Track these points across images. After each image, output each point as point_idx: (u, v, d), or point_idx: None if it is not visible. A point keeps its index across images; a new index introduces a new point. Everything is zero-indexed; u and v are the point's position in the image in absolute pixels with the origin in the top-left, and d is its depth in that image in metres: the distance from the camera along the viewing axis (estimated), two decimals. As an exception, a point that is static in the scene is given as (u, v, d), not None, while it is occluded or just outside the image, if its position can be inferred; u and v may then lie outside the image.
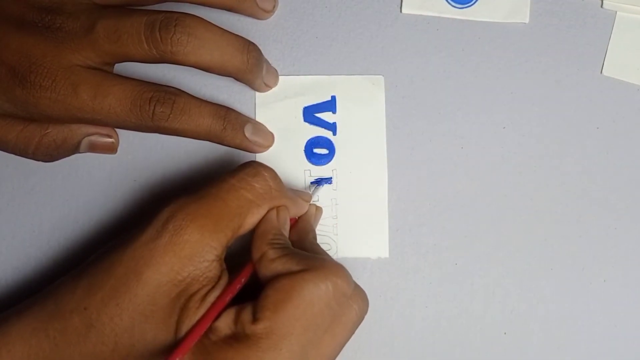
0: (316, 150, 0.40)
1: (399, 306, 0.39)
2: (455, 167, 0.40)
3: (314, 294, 0.31)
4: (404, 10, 0.41)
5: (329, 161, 0.40)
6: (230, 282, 0.33)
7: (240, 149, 0.39)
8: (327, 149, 0.40)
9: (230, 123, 0.37)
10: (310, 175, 0.40)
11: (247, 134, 0.38)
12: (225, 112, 0.37)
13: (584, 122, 0.40)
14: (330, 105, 0.40)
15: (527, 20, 0.41)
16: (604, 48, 0.41)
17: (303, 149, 0.40)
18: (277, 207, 0.35)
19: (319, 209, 0.39)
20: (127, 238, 0.33)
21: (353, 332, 0.33)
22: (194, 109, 0.36)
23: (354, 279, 0.33)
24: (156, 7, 0.36)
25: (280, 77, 0.40)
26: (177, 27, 0.34)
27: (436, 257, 0.40)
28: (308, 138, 0.40)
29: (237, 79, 0.37)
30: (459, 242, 0.40)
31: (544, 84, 0.40)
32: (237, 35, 0.36)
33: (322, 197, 0.40)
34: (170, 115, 0.35)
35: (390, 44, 0.41)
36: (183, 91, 0.36)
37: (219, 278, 0.33)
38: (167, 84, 0.36)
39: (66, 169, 0.39)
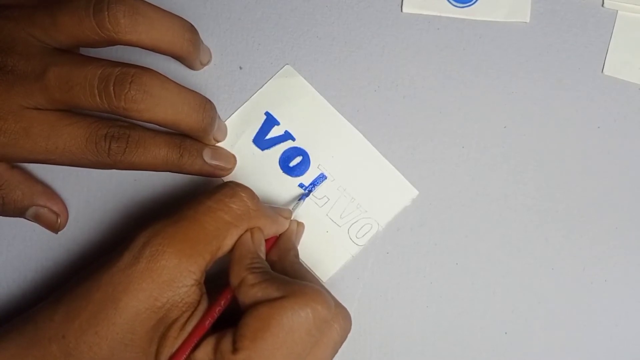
0: (292, 164, 0.40)
1: (399, 306, 0.39)
2: (455, 166, 0.40)
3: (293, 321, 0.30)
4: (404, 10, 0.41)
5: (309, 164, 0.40)
6: (209, 308, 0.32)
7: (203, 176, 0.38)
8: (299, 155, 0.40)
9: (186, 150, 0.37)
10: (306, 188, 0.40)
11: (206, 159, 0.37)
12: (180, 141, 0.37)
13: (584, 122, 0.40)
14: (270, 121, 0.40)
15: (527, 20, 0.41)
16: (605, 47, 0.41)
17: (281, 170, 0.40)
18: (252, 229, 0.34)
19: (300, 225, 0.39)
20: (105, 263, 0.32)
21: (337, 351, 0.33)
22: (148, 140, 0.35)
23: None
24: (113, 49, 0.35)
25: None
26: (132, 84, 0.33)
27: (436, 257, 0.40)
28: (277, 159, 0.40)
29: (188, 135, 0.37)
30: (459, 242, 0.40)
31: (545, 83, 0.40)
32: (195, 93, 0.36)
33: (328, 193, 0.40)
34: (127, 149, 0.34)
35: (391, 44, 0.41)
36: (137, 125, 0.36)
37: (199, 303, 0.32)
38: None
39: (66, 168, 0.39)
